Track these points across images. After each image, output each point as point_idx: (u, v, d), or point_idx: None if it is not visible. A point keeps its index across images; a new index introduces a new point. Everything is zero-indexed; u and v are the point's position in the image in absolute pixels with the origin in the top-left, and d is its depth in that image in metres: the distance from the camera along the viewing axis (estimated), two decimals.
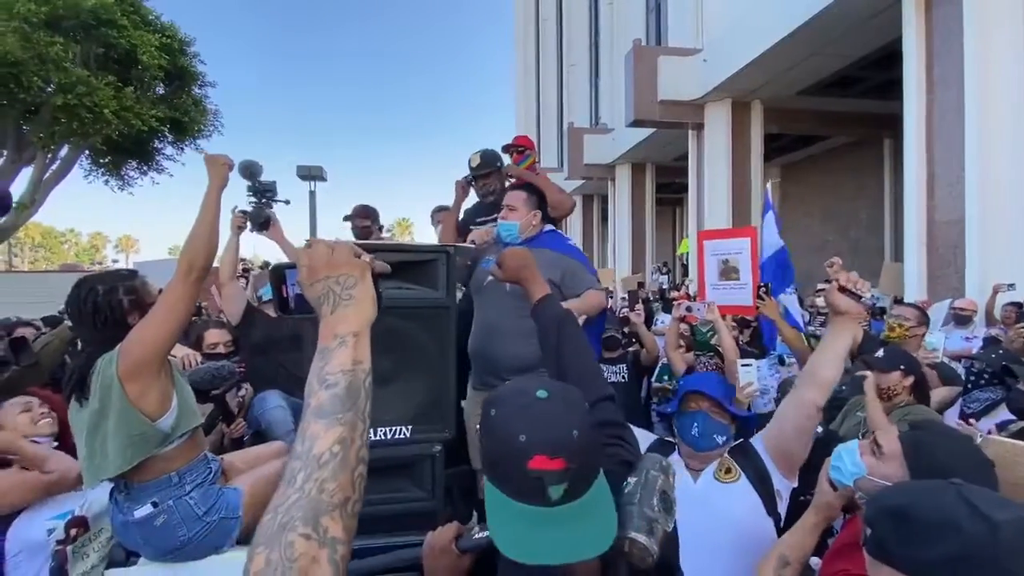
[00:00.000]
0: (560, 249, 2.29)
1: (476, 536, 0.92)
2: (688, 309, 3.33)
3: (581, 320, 2.05)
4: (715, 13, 11.16)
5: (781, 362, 3.56)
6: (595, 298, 2.22)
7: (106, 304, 1.58)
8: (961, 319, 4.76)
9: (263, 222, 2.75)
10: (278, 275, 0.83)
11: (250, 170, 2.61)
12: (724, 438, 1.58)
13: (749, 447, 1.55)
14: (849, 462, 1.16)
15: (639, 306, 4.53)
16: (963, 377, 2.95)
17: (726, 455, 1.57)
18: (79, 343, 1.73)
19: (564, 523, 0.76)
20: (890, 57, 8.22)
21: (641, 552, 0.79)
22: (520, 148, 3.03)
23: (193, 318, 4.27)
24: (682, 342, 4.10)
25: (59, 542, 1.75)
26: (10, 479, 1.71)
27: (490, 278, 2.22)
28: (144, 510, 1.59)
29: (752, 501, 1.48)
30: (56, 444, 1.88)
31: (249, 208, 2.75)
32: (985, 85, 5.71)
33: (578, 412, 0.83)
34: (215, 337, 2.61)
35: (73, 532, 1.77)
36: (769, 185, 4.20)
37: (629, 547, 0.79)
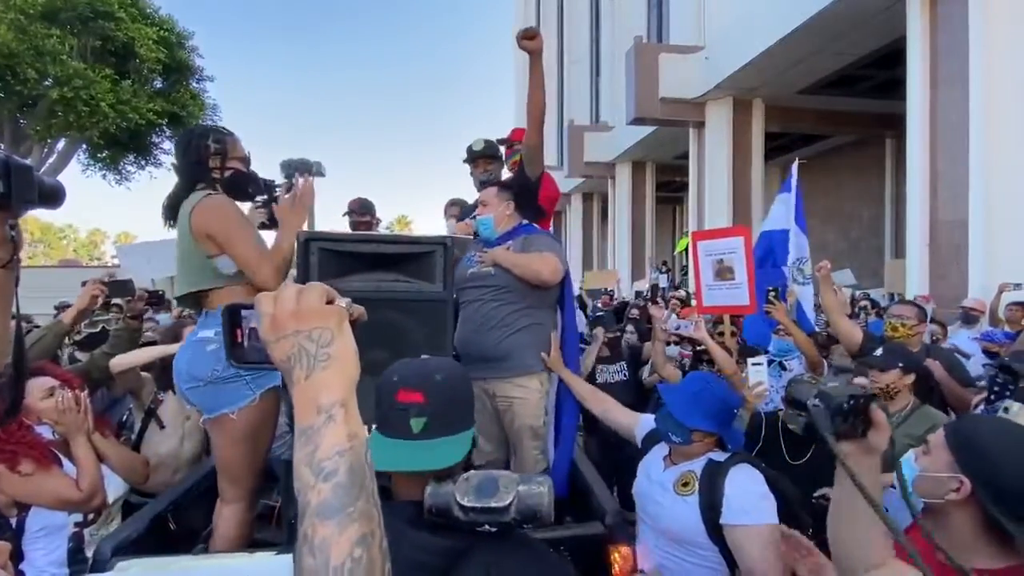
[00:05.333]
0: (532, 233, 2.32)
1: None
2: (677, 328, 3.34)
3: (514, 269, 2.10)
4: (717, 10, 11.11)
5: (782, 367, 3.51)
6: (536, 260, 2.13)
7: (196, 143, 1.84)
8: (969, 319, 4.72)
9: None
10: (232, 315, 0.67)
11: (298, 165, 2.56)
12: (679, 439, 1.61)
13: (718, 483, 1.50)
14: (909, 473, 1.12)
15: (660, 301, 4.50)
16: (988, 385, 2.85)
17: (693, 471, 1.57)
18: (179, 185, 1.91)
19: (424, 450, 0.93)
20: (893, 55, 8.17)
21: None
22: (510, 143, 2.98)
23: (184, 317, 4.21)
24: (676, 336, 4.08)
25: (77, 524, 1.88)
26: (52, 487, 1.77)
27: (472, 271, 2.20)
28: (207, 332, 1.75)
29: (694, 520, 1.51)
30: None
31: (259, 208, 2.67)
32: (990, 83, 5.67)
33: (450, 368, 1.03)
34: None
35: (91, 516, 1.90)
36: (795, 165, 4.15)
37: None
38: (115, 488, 1.89)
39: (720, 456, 1.58)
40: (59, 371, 2.02)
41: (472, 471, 0.90)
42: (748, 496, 1.45)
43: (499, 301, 2.15)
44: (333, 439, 0.54)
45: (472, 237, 2.44)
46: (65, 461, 1.85)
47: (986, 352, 3.70)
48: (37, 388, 1.87)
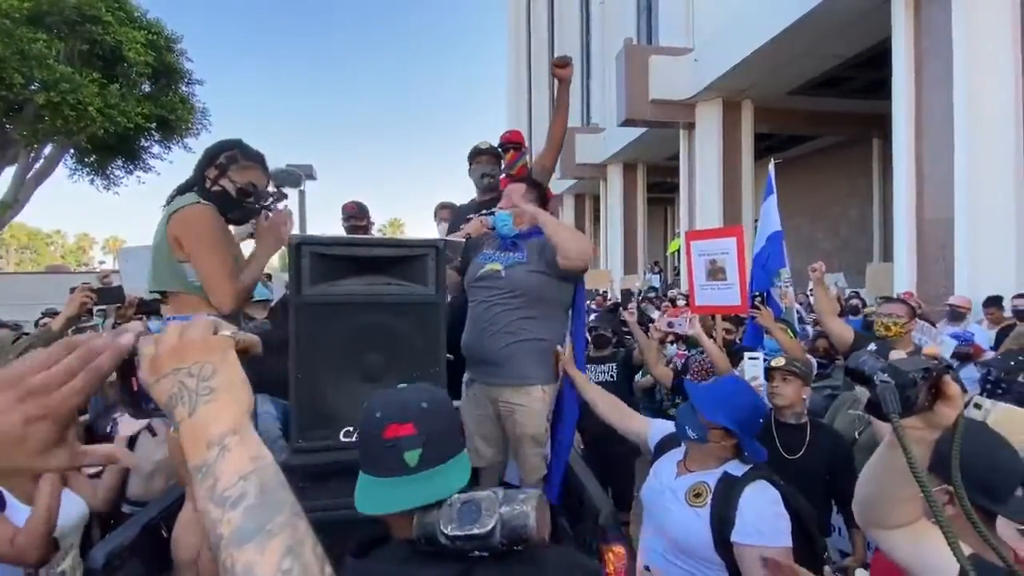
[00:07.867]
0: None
1: None
2: (670, 325, 3.31)
3: (555, 235, 2.00)
4: (706, 13, 11.19)
5: None
6: (581, 238, 2.14)
7: (209, 152, 1.93)
8: (955, 316, 4.78)
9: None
10: (125, 363, 0.58)
11: (285, 178, 2.57)
12: (695, 435, 1.56)
13: (732, 498, 1.46)
14: None
15: (632, 305, 4.50)
16: (979, 386, 2.87)
17: (707, 482, 1.54)
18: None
19: (422, 483, 0.89)
20: (879, 57, 8.28)
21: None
22: (516, 145, 3.00)
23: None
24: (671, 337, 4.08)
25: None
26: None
27: (484, 270, 2.17)
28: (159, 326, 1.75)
29: (703, 533, 1.48)
30: None
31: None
32: (974, 84, 5.76)
33: (431, 394, 0.98)
34: None
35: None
36: (772, 165, 4.18)
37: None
38: (73, 517, 1.71)
39: (737, 470, 1.52)
40: None
41: (455, 495, 0.86)
42: (763, 516, 1.41)
43: (506, 306, 2.08)
44: (233, 467, 0.51)
45: (468, 237, 2.42)
46: (9, 498, 1.61)
47: (959, 356, 3.69)
48: None
